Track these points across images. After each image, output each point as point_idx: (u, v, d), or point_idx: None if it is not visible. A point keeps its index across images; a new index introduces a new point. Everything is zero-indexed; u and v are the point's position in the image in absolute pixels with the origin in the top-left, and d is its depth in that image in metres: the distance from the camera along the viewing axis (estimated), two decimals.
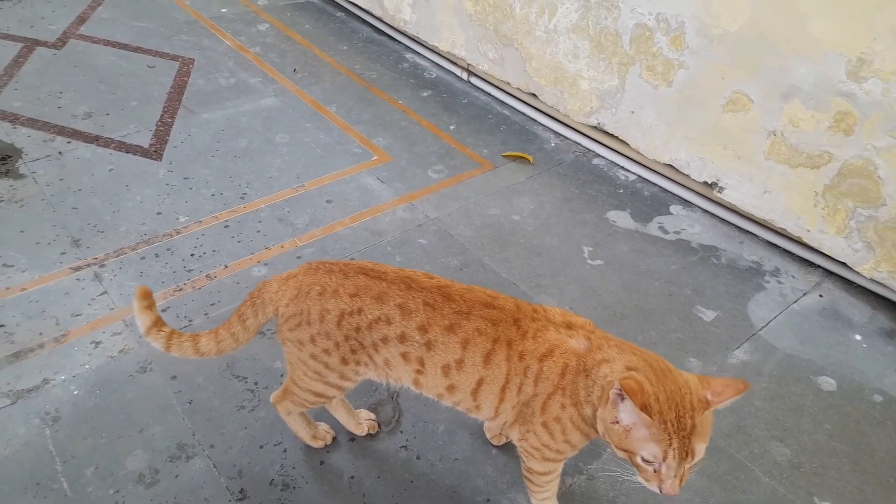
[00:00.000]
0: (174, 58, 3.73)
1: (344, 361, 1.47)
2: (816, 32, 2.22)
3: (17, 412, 1.86)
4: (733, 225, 2.82)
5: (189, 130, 3.15)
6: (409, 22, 3.91)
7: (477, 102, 3.61)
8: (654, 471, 1.20)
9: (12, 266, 2.33)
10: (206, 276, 2.36)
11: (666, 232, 2.77)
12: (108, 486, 1.70)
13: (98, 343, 2.08)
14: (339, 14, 4.48)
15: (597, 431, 1.33)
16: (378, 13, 4.14)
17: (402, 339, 1.40)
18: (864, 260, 2.40)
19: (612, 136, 3.11)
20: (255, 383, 2.00)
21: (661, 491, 1.20)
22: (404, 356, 1.42)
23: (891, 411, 2.06)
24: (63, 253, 2.40)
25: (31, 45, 3.68)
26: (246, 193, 2.79)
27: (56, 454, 1.77)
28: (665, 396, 1.17)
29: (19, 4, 4.09)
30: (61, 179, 2.75)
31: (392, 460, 1.83)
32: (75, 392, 1.93)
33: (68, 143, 2.97)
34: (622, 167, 3.15)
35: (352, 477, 1.78)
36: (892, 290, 2.41)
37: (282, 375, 1.98)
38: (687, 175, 2.86)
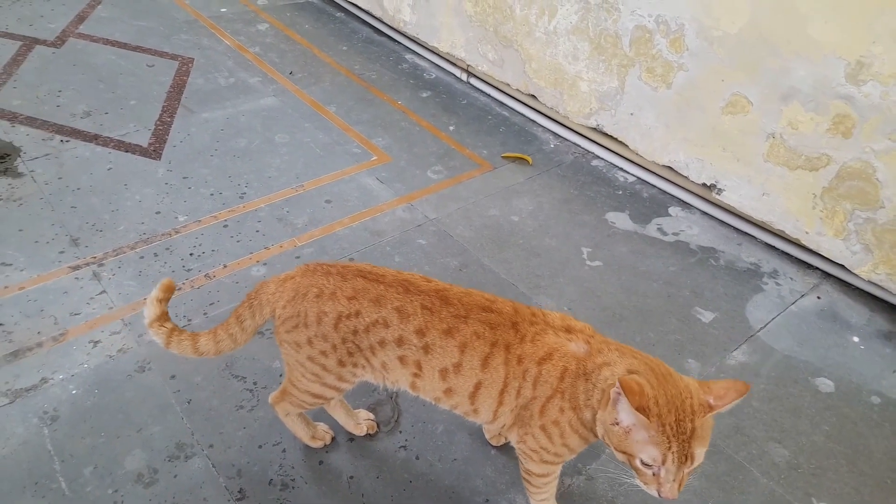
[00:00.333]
0: (173, 57, 3.73)
1: (341, 364, 1.47)
2: (816, 35, 2.23)
3: (16, 411, 1.86)
4: (732, 227, 2.82)
5: (188, 130, 3.15)
6: (409, 23, 3.91)
7: (476, 103, 3.61)
8: (653, 474, 1.20)
9: (11, 265, 2.32)
10: (205, 276, 2.36)
11: (665, 233, 2.77)
12: (107, 485, 1.70)
13: (97, 342, 2.08)
14: (338, 14, 4.48)
15: (596, 436, 1.33)
16: (378, 14, 4.14)
17: (400, 342, 1.39)
18: (863, 262, 2.41)
19: (611, 137, 3.12)
20: (255, 383, 2.00)
21: (659, 495, 1.20)
22: (401, 359, 1.42)
23: (888, 413, 2.07)
24: (62, 252, 2.40)
25: (29, 43, 3.68)
26: (245, 193, 2.78)
27: (54, 453, 1.76)
28: (665, 400, 1.17)
29: (18, 3, 4.08)
30: (60, 178, 2.74)
31: (391, 460, 1.83)
32: (74, 391, 1.93)
33: (67, 141, 2.96)
34: (621, 169, 3.15)
35: (351, 477, 1.78)
36: (890, 293, 2.42)
37: (280, 375, 1.98)
38: (686, 177, 2.86)
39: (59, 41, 3.74)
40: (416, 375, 1.44)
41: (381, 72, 3.83)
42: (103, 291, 2.26)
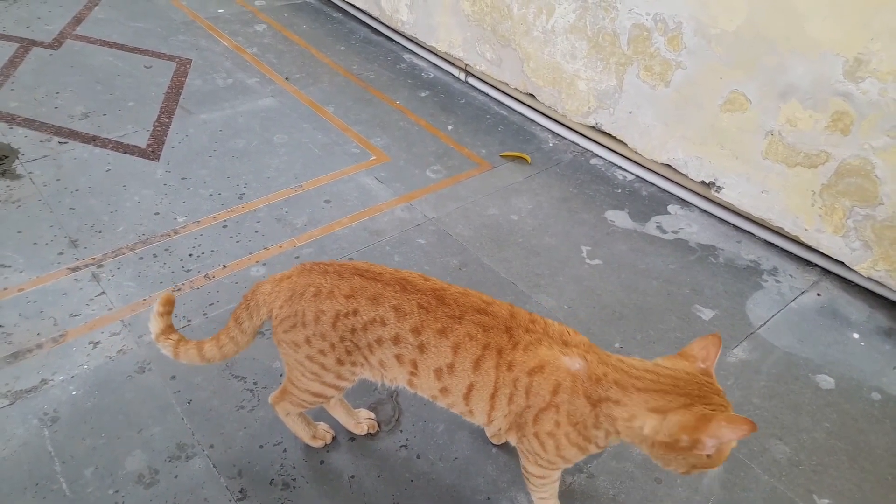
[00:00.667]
0: (171, 58, 3.73)
1: (340, 362, 1.47)
2: (814, 32, 2.23)
3: (16, 413, 1.85)
4: (731, 224, 2.82)
5: (186, 131, 3.14)
6: (407, 22, 3.91)
7: (475, 103, 3.61)
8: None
9: (10, 266, 2.32)
10: (205, 277, 2.36)
11: (664, 231, 2.77)
12: (108, 486, 1.70)
13: (96, 343, 2.08)
14: (336, 14, 4.48)
15: (598, 447, 1.34)
16: (375, 13, 4.14)
17: (396, 340, 1.39)
18: (862, 259, 2.41)
19: (609, 136, 3.12)
20: (255, 383, 1.99)
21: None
22: (398, 358, 1.41)
23: (889, 409, 2.07)
24: (61, 253, 2.39)
25: (27, 45, 3.67)
26: (244, 194, 2.78)
27: (55, 454, 1.76)
28: (719, 402, 1.21)
29: (15, 5, 4.07)
30: (58, 180, 2.74)
31: (392, 459, 1.83)
32: (74, 392, 1.92)
33: (65, 143, 2.96)
34: (620, 167, 3.15)
35: (352, 476, 1.78)
36: (890, 289, 2.42)
37: (280, 375, 1.97)
38: (685, 175, 2.87)
39: (57, 43, 3.74)
40: (412, 374, 1.43)
41: (380, 72, 3.83)
42: (102, 293, 2.25)
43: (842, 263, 2.50)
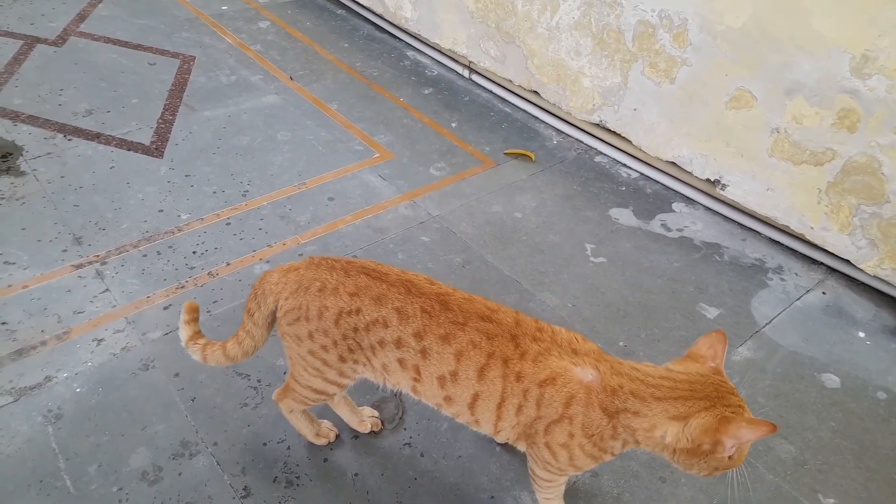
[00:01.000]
0: (175, 55, 3.72)
1: (342, 360, 1.47)
2: (820, 28, 2.21)
3: (20, 410, 1.86)
4: (736, 222, 2.81)
5: (190, 128, 3.14)
6: (411, 19, 3.90)
7: (478, 100, 3.60)
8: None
9: (14, 263, 2.32)
10: (209, 274, 2.36)
11: (669, 229, 2.76)
12: (112, 483, 1.70)
13: (100, 340, 2.08)
14: (339, 11, 4.47)
15: (612, 456, 1.34)
16: (379, 11, 4.13)
17: (399, 344, 1.38)
18: (868, 257, 2.40)
19: (614, 133, 3.10)
20: (258, 381, 1.99)
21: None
22: (401, 362, 1.40)
23: (895, 408, 2.06)
24: (65, 250, 2.40)
25: (31, 42, 3.67)
26: (248, 191, 2.78)
27: (59, 452, 1.76)
28: (736, 402, 1.21)
29: (19, 2, 4.07)
30: (62, 177, 2.74)
31: (396, 457, 1.83)
32: (78, 390, 1.92)
33: (69, 140, 2.96)
34: (624, 165, 3.14)
35: (355, 474, 1.77)
36: None
37: (284, 373, 1.97)
38: (689, 172, 2.85)
39: (61, 40, 3.74)
40: (415, 380, 1.42)
41: (383, 69, 3.82)
42: (106, 290, 2.26)
43: (848, 262, 2.49)
